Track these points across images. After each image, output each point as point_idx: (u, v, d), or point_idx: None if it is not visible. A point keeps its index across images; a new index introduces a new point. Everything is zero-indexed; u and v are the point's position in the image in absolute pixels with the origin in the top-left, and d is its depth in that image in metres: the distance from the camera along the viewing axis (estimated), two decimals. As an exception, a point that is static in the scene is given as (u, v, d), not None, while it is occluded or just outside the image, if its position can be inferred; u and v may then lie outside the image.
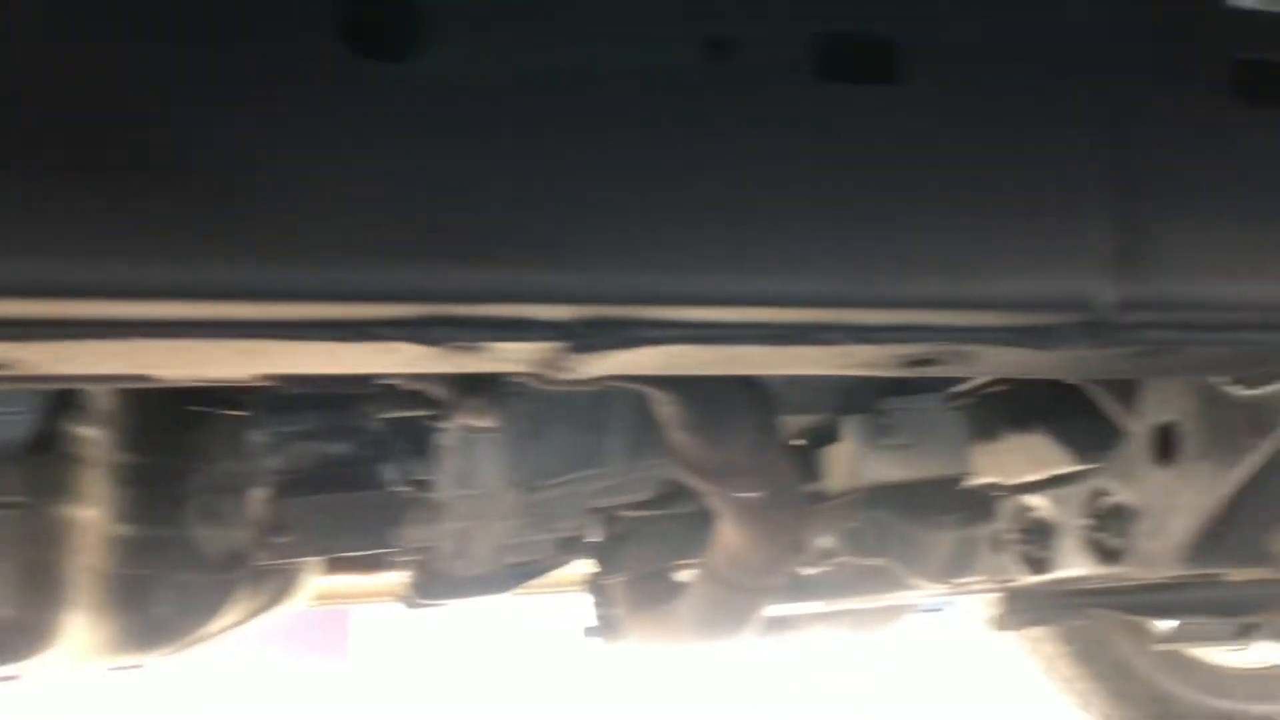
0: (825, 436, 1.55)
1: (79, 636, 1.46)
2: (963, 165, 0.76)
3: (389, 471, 1.50)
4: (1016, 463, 1.41)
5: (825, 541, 1.63)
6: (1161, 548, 1.16)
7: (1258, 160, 0.80)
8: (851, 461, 1.50)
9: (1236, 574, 1.39)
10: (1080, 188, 0.77)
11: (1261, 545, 1.15)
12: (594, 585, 1.88)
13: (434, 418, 1.34)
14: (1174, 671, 2.55)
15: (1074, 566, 1.28)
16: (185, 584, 1.55)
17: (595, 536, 1.70)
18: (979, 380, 1.42)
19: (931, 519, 1.50)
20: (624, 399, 1.43)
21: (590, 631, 1.90)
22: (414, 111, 0.67)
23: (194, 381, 1.12)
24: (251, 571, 1.60)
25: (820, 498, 1.57)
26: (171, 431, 1.49)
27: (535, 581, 1.74)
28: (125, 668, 1.74)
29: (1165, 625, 2.01)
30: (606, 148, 0.71)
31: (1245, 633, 1.77)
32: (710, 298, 0.74)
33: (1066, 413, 1.28)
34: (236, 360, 0.86)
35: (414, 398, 1.25)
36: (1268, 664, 2.60)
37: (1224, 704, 2.57)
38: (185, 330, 0.70)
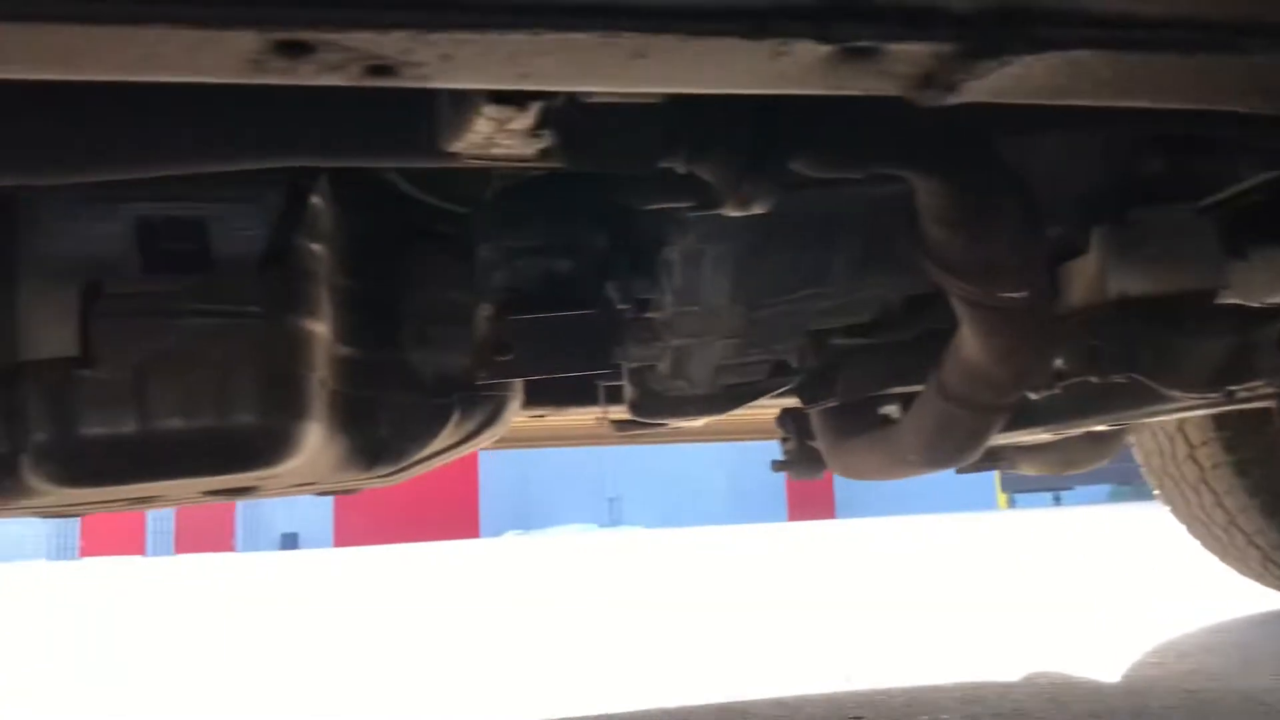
0: (1067, 249, 1.51)
1: (315, 449, 1.44)
2: None
3: (611, 290, 1.50)
4: (1265, 283, 1.38)
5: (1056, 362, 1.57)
6: None
7: None
8: (1096, 274, 1.45)
9: None
10: None
11: None
12: (785, 417, 1.89)
13: (696, 207, 1.29)
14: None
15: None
16: (403, 407, 1.54)
17: (806, 362, 1.69)
18: (1231, 191, 1.42)
19: (1189, 329, 1.46)
20: (854, 215, 1.41)
21: (779, 465, 1.92)
22: None
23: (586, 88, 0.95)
24: (464, 397, 1.59)
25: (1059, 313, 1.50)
26: (385, 257, 1.47)
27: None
28: (343, 490, 1.73)
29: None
30: None
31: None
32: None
33: None
34: (625, 68, 0.75)
35: (682, 184, 1.20)
36: None
37: None
38: (575, 22, 0.65)
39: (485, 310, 1.50)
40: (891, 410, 1.75)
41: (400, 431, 1.54)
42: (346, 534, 20.39)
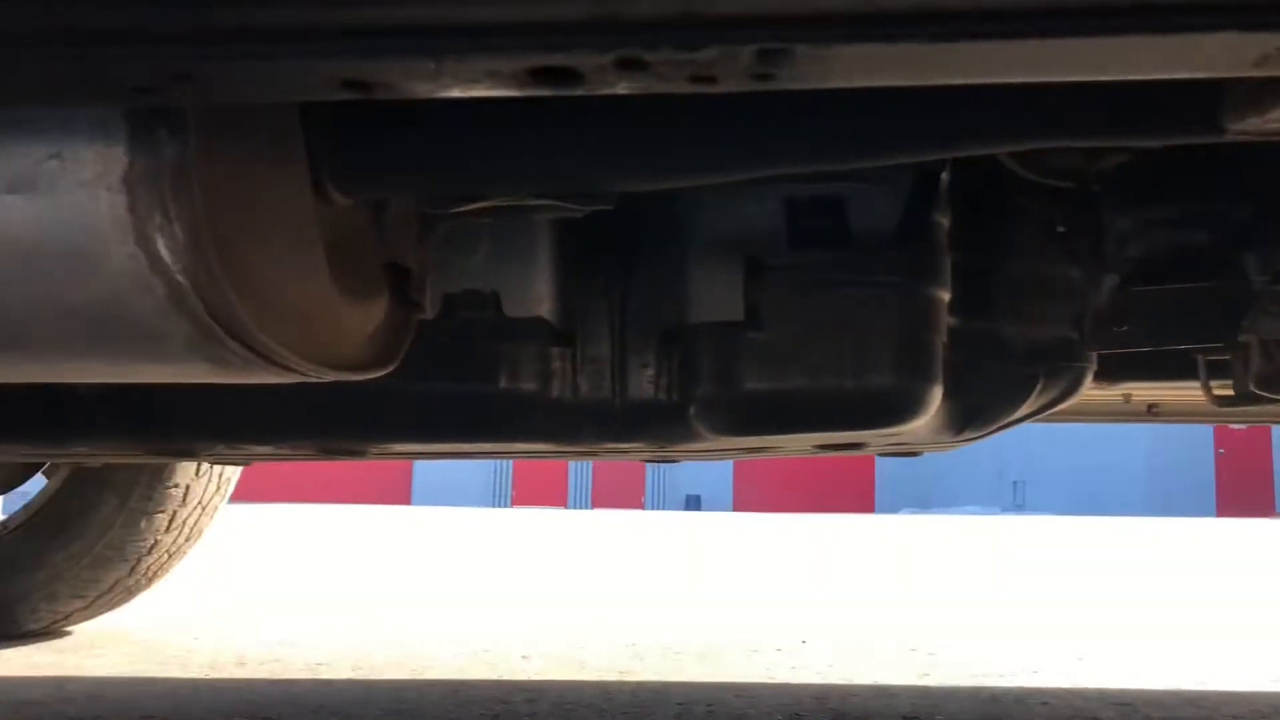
0: None
1: (933, 412, 1.54)
2: None
3: (1249, 261, 1.47)
4: None
5: None
6: None
7: None
8: None
9: None
10: None
11: None
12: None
13: None
14: None
15: None
16: (995, 374, 1.60)
17: None
18: None
19: None
20: None
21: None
22: None
23: None
24: (1050, 367, 1.63)
25: None
26: (984, 231, 1.53)
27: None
28: (908, 453, 1.84)
29: None
30: None
31: None
32: None
33: None
34: None
35: None
36: None
37: None
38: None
39: (1110, 281, 1.53)
40: None
41: (990, 399, 1.62)
42: (745, 499, 21.05)
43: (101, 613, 2.66)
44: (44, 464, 2.54)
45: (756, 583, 4.20)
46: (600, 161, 1.06)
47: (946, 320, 1.51)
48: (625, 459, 1.82)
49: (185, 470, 2.54)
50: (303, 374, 1.03)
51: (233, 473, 2.72)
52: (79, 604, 2.57)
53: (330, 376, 1.07)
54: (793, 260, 1.45)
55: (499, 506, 21.05)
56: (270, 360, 0.96)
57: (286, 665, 2.26)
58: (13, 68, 0.67)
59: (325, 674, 2.16)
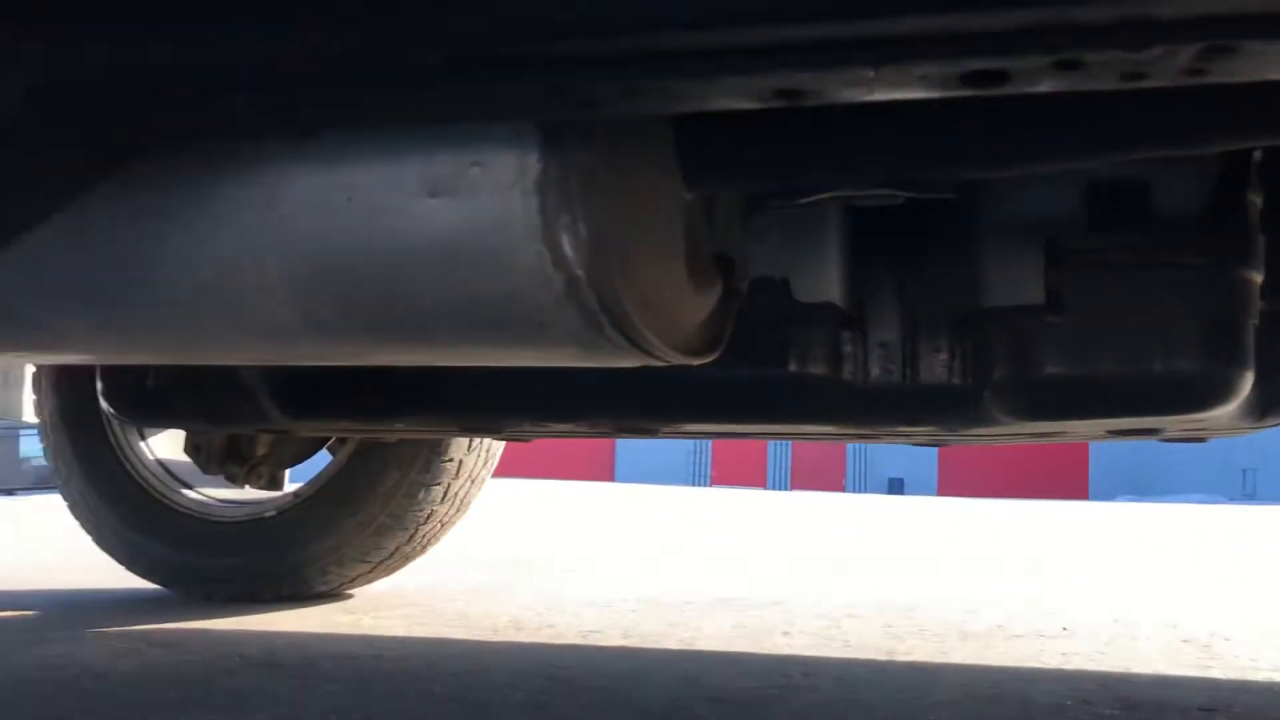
0: None
1: (1244, 397, 1.50)
2: None
3: None
4: None
5: None
6: None
7: None
8: None
9: None
10: None
11: None
12: None
13: None
14: None
15: None
16: None
17: None
18: None
19: None
20: None
21: None
22: None
23: None
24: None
25: None
26: None
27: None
28: (1198, 437, 1.78)
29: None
30: None
31: None
32: None
33: None
34: None
35: None
36: None
37: None
38: None
39: None
40: None
41: None
42: (950, 484, 20.55)
43: (381, 577, 2.87)
44: (329, 439, 2.75)
45: (991, 567, 4.13)
46: (958, 152, 1.09)
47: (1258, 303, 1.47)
48: (909, 442, 1.84)
49: (459, 445, 2.70)
50: (658, 359, 1.10)
51: (498, 448, 2.88)
52: (363, 568, 2.78)
53: (677, 360, 1.14)
54: (1096, 243, 1.44)
55: (698, 485, 21.29)
56: (637, 346, 1.04)
57: (560, 631, 2.39)
58: (484, 89, 0.76)
59: (598, 640, 2.28)
